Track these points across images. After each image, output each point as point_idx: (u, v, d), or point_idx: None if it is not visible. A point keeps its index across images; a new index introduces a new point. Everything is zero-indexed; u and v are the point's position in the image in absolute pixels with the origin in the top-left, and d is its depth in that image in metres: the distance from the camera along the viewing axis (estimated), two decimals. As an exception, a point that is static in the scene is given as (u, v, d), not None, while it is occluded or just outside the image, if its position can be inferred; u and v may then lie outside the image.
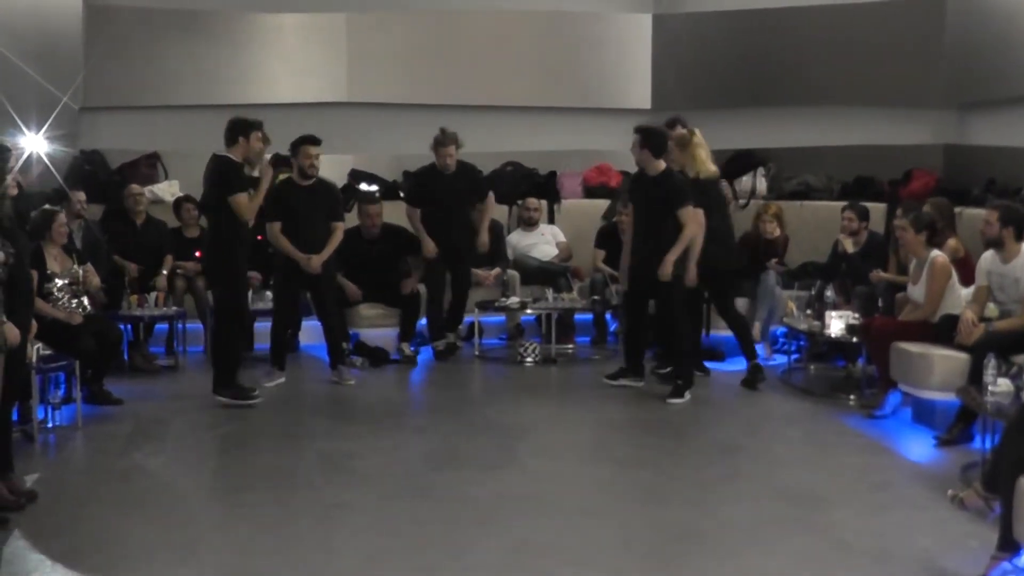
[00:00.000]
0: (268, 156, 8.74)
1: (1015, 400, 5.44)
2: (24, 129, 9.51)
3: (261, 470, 6.21)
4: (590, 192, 10.93)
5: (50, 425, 7.02)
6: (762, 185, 10.66)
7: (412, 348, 9.23)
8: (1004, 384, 5.59)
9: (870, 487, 5.83)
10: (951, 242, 7.79)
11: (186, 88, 11.03)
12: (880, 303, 7.98)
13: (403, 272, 9.36)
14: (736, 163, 10.75)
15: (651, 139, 7.66)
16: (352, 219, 9.40)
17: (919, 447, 6.57)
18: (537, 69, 11.63)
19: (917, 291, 7.26)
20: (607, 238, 9.59)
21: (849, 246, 8.57)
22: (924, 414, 7.00)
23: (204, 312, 9.12)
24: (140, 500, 5.67)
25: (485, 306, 9.41)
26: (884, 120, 10.87)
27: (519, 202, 10.46)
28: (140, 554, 4.90)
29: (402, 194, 10.35)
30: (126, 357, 8.68)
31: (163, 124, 10.92)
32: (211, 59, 11.07)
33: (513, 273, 9.78)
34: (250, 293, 8.77)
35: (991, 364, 5.69)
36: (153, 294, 8.71)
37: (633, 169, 8.07)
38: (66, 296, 7.48)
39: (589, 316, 9.83)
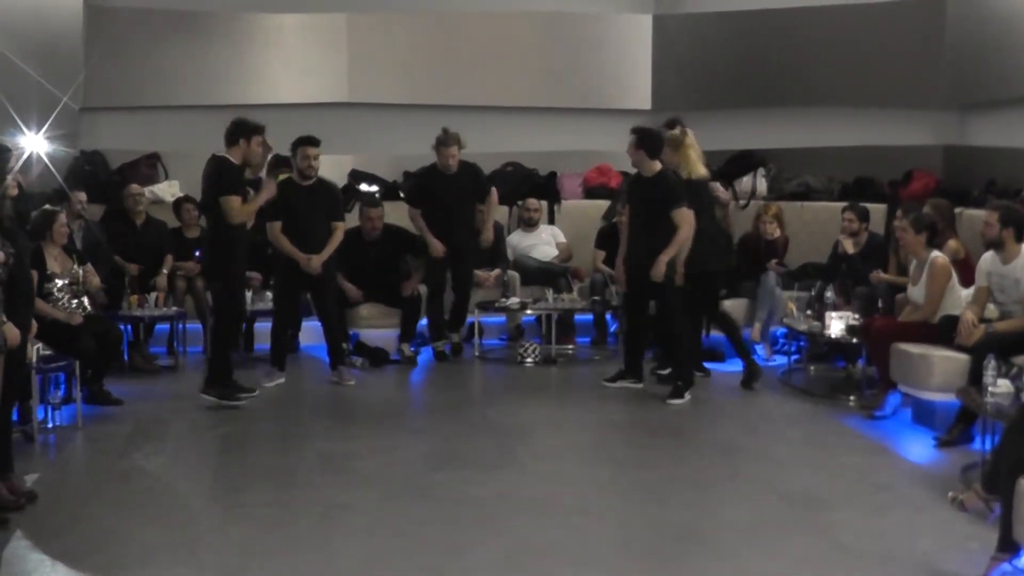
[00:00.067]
0: (271, 156, 8.77)
1: (1015, 401, 5.44)
2: (24, 129, 9.50)
3: (261, 470, 6.21)
4: (590, 193, 10.93)
5: (50, 425, 7.02)
6: (762, 186, 10.67)
7: (412, 349, 9.23)
8: (1004, 385, 5.59)
9: (870, 488, 5.83)
10: (951, 243, 7.80)
11: (186, 88, 11.03)
12: (880, 304, 7.98)
13: (403, 273, 9.36)
14: (736, 164, 10.77)
15: (646, 140, 7.68)
16: (353, 219, 9.40)
17: (919, 448, 6.57)
18: (537, 70, 11.63)
19: (917, 292, 7.27)
20: (607, 239, 9.59)
21: (849, 247, 8.56)
22: (924, 415, 7.00)
23: (204, 312, 9.12)
24: (140, 500, 5.67)
25: (485, 307, 9.41)
26: (884, 121, 10.87)
27: (519, 203, 10.46)
28: (140, 554, 4.90)
29: (402, 194, 10.36)
30: (126, 357, 8.69)
31: (163, 124, 10.92)
32: (211, 59, 11.07)
33: (513, 274, 9.78)
34: (250, 293, 8.80)
35: (991, 365, 5.69)
36: (153, 294, 8.70)
37: (633, 170, 8.07)
38: (66, 296, 7.48)
39: (589, 317, 9.83)
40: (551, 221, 10.71)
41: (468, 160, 9.25)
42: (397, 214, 9.50)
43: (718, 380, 8.47)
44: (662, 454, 6.54)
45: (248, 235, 8.11)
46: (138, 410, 7.50)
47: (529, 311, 9.44)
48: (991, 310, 6.92)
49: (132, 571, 4.74)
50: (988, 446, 5.74)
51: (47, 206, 7.71)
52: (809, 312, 8.30)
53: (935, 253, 7.23)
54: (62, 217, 7.63)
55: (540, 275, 9.82)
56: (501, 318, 9.94)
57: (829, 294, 8.15)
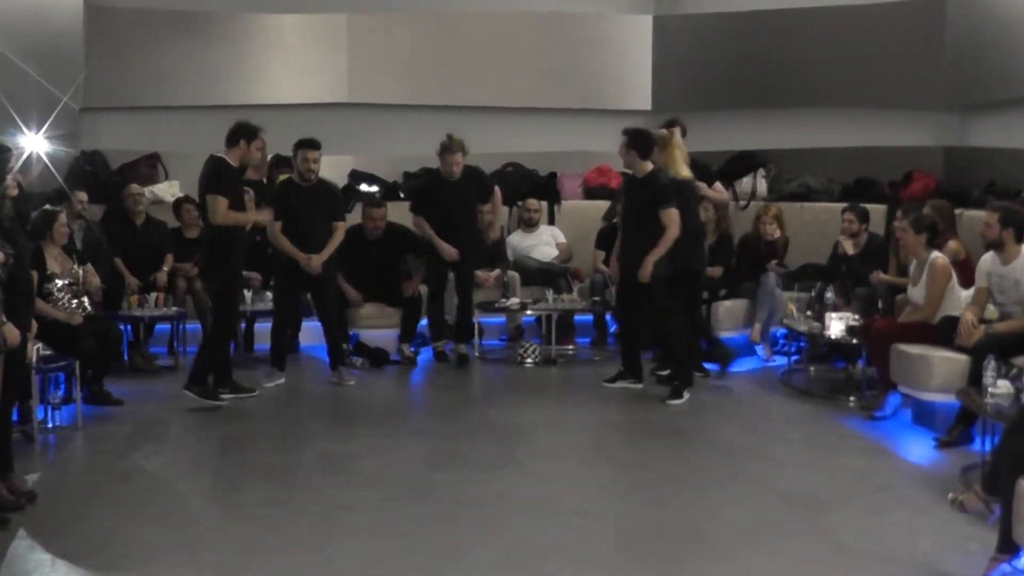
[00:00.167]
0: (271, 156, 8.75)
1: (1015, 402, 5.44)
2: (24, 129, 9.51)
3: (261, 471, 6.21)
4: (590, 193, 10.93)
5: (50, 425, 7.02)
6: (762, 186, 10.67)
7: (412, 349, 9.23)
8: (1004, 386, 5.59)
9: (870, 489, 5.83)
10: (951, 244, 7.80)
11: (187, 89, 11.03)
12: (880, 305, 7.98)
13: (404, 273, 9.35)
14: (736, 164, 10.77)
15: (638, 141, 7.72)
16: (355, 218, 9.41)
17: (919, 449, 6.57)
18: (538, 70, 11.64)
19: (917, 292, 7.27)
20: (607, 239, 9.57)
21: (849, 248, 8.57)
22: (924, 416, 7.00)
23: (204, 313, 9.10)
24: (140, 500, 5.67)
25: (485, 307, 9.40)
26: (884, 122, 10.88)
27: (519, 203, 10.46)
28: (140, 554, 4.91)
29: (402, 195, 10.37)
30: (126, 357, 8.69)
31: (163, 124, 10.92)
32: (212, 60, 11.07)
33: (513, 274, 9.78)
34: (250, 294, 8.80)
35: (991, 366, 5.69)
36: (153, 295, 8.70)
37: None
38: (66, 296, 7.48)
39: (589, 317, 9.84)
40: (551, 222, 10.71)
41: (470, 163, 9.22)
42: (398, 213, 9.49)
43: (718, 381, 8.47)
44: (662, 455, 6.54)
45: (247, 235, 8.12)
46: (138, 410, 7.50)
47: (529, 311, 9.44)
48: (991, 311, 6.93)
49: (132, 571, 4.74)
50: (988, 447, 5.74)
51: (47, 206, 7.71)
52: (809, 313, 8.30)
53: (935, 254, 7.24)
54: (62, 217, 7.64)
55: (540, 276, 9.82)
56: (501, 318, 9.94)
57: (829, 295, 8.15)
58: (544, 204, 10.65)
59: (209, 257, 7.74)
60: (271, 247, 8.41)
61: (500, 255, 9.96)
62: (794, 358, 8.73)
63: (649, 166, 7.72)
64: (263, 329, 8.93)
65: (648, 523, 5.34)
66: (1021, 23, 9.32)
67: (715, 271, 9.13)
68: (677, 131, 8.00)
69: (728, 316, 9.23)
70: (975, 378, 6.13)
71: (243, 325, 9.17)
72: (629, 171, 7.94)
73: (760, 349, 9.20)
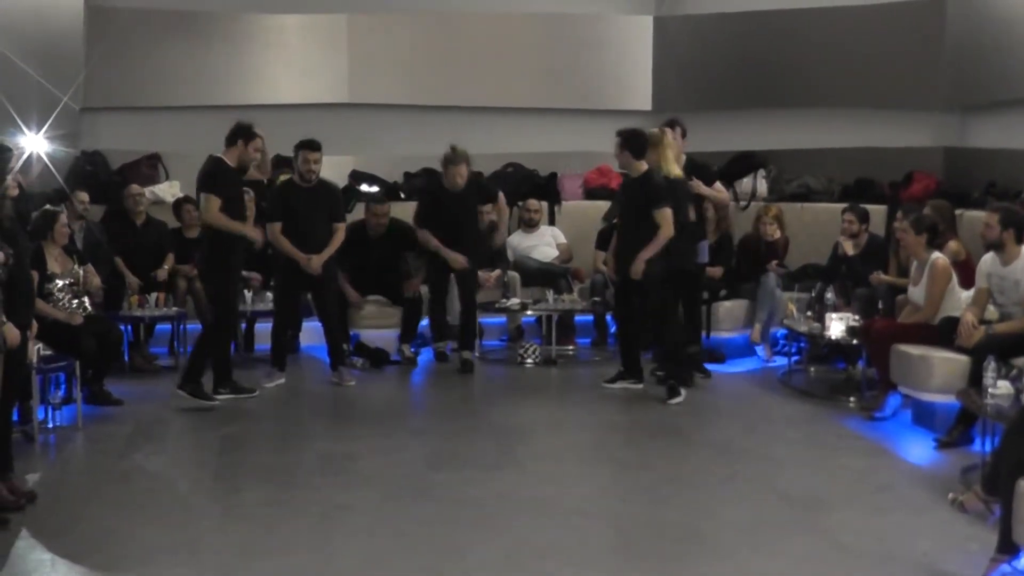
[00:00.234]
0: (272, 156, 8.73)
1: (1015, 403, 5.44)
2: (25, 129, 9.52)
3: (261, 471, 6.21)
4: (591, 194, 10.93)
5: (50, 425, 7.02)
6: (762, 187, 10.67)
7: (412, 350, 9.23)
8: (1004, 386, 5.59)
9: (870, 489, 5.83)
10: (952, 244, 7.79)
11: (187, 89, 11.02)
12: (880, 305, 7.98)
13: (404, 273, 9.33)
14: (737, 165, 10.77)
15: (632, 141, 7.75)
16: (358, 213, 9.40)
17: (919, 449, 6.57)
18: (538, 71, 11.63)
19: (917, 293, 7.27)
20: (607, 240, 9.56)
21: (849, 248, 8.57)
22: (924, 416, 7.00)
23: (204, 313, 9.09)
24: (140, 500, 5.68)
25: (486, 307, 9.40)
26: (884, 122, 10.88)
27: (519, 203, 10.45)
28: (140, 554, 4.91)
29: (403, 195, 10.37)
30: (126, 358, 8.69)
31: (164, 125, 10.92)
32: (212, 60, 11.07)
33: (513, 274, 9.78)
34: (250, 294, 8.80)
35: (991, 366, 5.69)
36: (154, 295, 8.69)
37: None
38: (67, 296, 7.48)
39: (589, 318, 9.83)
40: (551, 222, 10.71)
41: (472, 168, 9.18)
42: (399, 213, 9.48)
43: (718, 381, 8.48)
44: (662, 455, 6.54)
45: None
46: (138, 410, 7.50)
47: (529, 312, 9.44)
48: (991, 311, 6.93)
49: (132, 571, 4.74)
50: (988, 448, 5.74)
51: (48, 206, 7.71)
52: (809, 313, 8.30)
53: (936, 254, 7.24)
54: (63, 217, 7.64)
55: (540, 276, 9.82)
56: (501, 319, 9.94)
57: (829, 295, 8.15)
58: (544, 204, 10.65)
59: (208, 257, 7.73)
60: (271, 247, 8.41)
61: (500, 255, 9.96)
62: (794, 359, 8.73)
63: (644, 166, 7.75)
64: (263, 329, 8.93)
65: (648, 523, 5.34)
66: (1021, 23, 9.31)
67: (715, 271, 9.14)
68: (668, 130, 8.02)
69: (728, 316, 9.25)
70: (975, 379, 6.13)
71: (243, 325, 9.17)
72: (625, 171, 7.96)
73: (760, 350, 9.20)
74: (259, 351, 9.11)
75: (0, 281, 5.21)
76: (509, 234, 10.35)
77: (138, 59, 10.89)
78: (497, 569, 4.74)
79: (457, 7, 11.58)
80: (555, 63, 11.60)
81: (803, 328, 8.16)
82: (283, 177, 8.42)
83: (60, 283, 7.46)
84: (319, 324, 8.54)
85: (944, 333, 6.88)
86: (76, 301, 7.54)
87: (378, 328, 9.38)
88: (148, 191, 9.87)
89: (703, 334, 8.84)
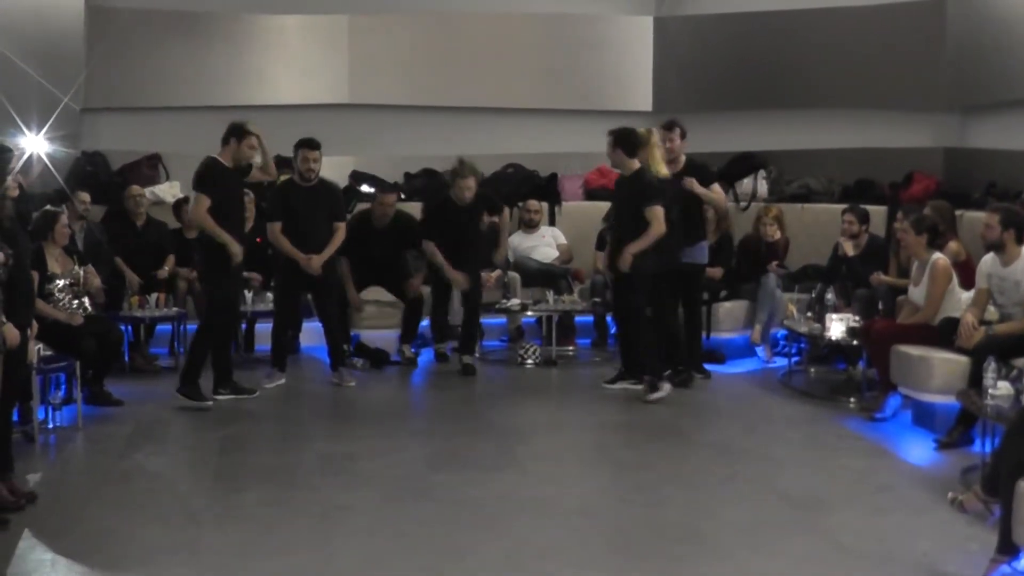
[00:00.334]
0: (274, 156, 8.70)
1: (1015, 403, 5.43)
2: (25, 130, 9.53)
3: (261, 471, 6.21)
4: (591, 194, 10.92)
5: (50, 426, 7.02)
6: (763, 188, 10.67)
7: (413, 350, 9.23)
8: (1004, 387, 5.58)
9: (870, 490, 5.83)
10: (952, 245, 7.79)
11: (188, 89, 11.03)
12: (880, 306, 7.98)
13: (406, 272, 9.30)
14: (737, 165, 10.77)
15: (624, 140, 7.79)
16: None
17: (919, 450, 6.57)
18: (538, 71, 11.64)
19: (917, 293, 7.27)
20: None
21: (849, 249, 8.57)
22: (924, 417, 7.00)
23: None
24: (140, 501, 5.67)
25: (486, 308, 9.38)
26: (885, 123, 10.89)
27: (520, 204, 10.45)
28: (140, 554, 4.91)
29: (403, 195, 10.36)
30: (127, 358, 8.69)
31: (164, 125, 10.92)
32: (213, 60, 11.08)
33: (514, 275, 9.78)
34: (251, 294, 8.80)
35: (991, 367, 5.69)
36: (154, 295, 8.69)
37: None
38: (67, 297, 7.49)
39: (590, 318, 9.83)
40: (552, 223, 10.71)
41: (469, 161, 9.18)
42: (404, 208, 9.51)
43: (719, 382, 8.48)
44: (662, 455, 6.53)
45: (247, 236, 8.12)
46: (139, 411, 7.50)
47: (529, 312, 9.44)
48: (991, 312, 6.92)
49: (132, 571, 4.74)
50: (988, 448, 5.74)
51: (48, 207, 7.71)
52: (809, 314, 8.31)
53: (936, 255, 7.24)
54: (64, 218, 7.64)
55: (540, 276, 9.82)
56: (502, 319, 9.94)
57: (829, 296, 8.15)
58: (545, 205, 10.65)
59: (205, 256, 7.71)
60: (271, 248, 8.40)
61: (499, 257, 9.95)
62: (794, 359, 8.73)
63: (636, 164, 7.79)
64: (264, 330, 8.92)
65: (648, 523, 5.34)
66: (1021, 24, 9.32)
67: (715, 272, 9.14)
68: (655, 131, 8.02)
69: (728, 317, 9.25)
70: (975, 379, 6.13)
71: (243, 326, 9.17)
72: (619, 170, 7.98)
73: (760, 350, 9.21)
74: (259, 351, 9.11)
75: (0, 281, 5.21)
76: (509, 234, 10.34)
77: (139, 59, 10.90)
78: (497, 569, 4.73)
79: (457, 8, 11.59)
80: (555, 64, 11.60)
81: (803, 329, 8.16)
82: (283, 177, 8.41)
83: (60, 283, 7.46)
84: (319, 325, 8.53)
85: (944, 334, 6.88)
86: (76, 301, 7.54)
87: (378, 329, 9.38)
88: (149, 192, 9.88)
89: (703, 335, 8.84)
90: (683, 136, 8.26)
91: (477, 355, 9.23)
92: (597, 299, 9.41)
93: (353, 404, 7.96)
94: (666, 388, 7.75)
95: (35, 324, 5.94)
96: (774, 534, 5.13)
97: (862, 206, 8.89)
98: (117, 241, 9.10)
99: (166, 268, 9.07)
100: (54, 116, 9.68)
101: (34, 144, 9.61)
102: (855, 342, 7.64)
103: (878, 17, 10.71)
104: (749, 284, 9.25)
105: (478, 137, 11.23)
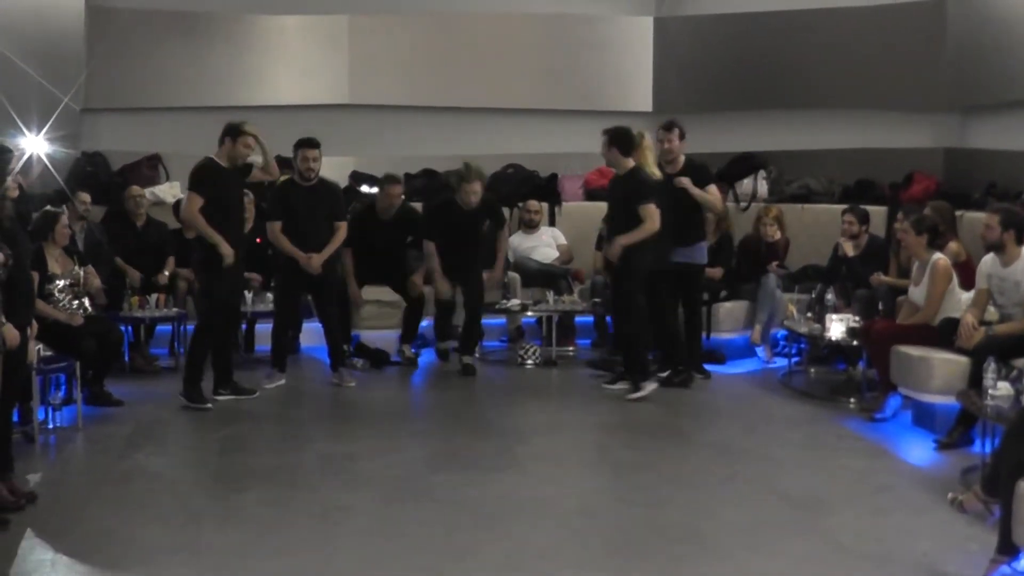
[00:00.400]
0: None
1: (1015, 404, 5.44)
2: (25, 130, 9.53)
3: (261, 471, 6.20)
4: (591, 195, 10.92)
5: (51, 426, 7.02)
6: (763, 188, 10.67)
7: (414, 350, 9.22)
8: (1004, 388, 5.59)
9: (870, 490, 5.84)
10: (952, 245, 7.80)
11: (188, 90, 11.04)
12: (880, 306, 7.99)
13: (408, 268, 9.23)
14: (737, 166, 10.78)
15: (619, 138, 7.82)
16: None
17: (919, 450, 6.57)
18: (539, 72, 11.64)
19: (918, 293, 7.27)
20: (608, 241, 9.59)
21: (849, 249, 8.57)
22: (924, 417, 7.01)
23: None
24: (140, 501, 5.67)
25: (486, 308, 9.38)
26: (885, 123, 10.89)
27: (520, 204, 10.45)
28: (140, 554, 4.91)
29: (404, 196, 10.34)
30: (127, 358, 8.68)
31: (165, 126, 10.93)
32: (213, 61, 11.08)
33: (514, 275, 9.77)
34: (251, 295, 8.79)
35: (991, 368, 5.69)
36: (154, 296, 8.69)
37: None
38: (67, 297, 7.49)
39: (590, 319, 9.83)
40: (552, 223, 10.71)
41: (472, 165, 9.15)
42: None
43: (719, 382, 8.48)
44: (662, 455, 6.53)
45: (247, 237, 8.11)
46: (139, 411, 7.50)
47: (530, 313, 9.44)
48: (991, 313, 6.93)
49: (132, 571, 4.75)
50: (988, 449, 5.74)
51: (49, 207, 7.71)
52: (809, 314, 8.31)
53: (937, 255, 7.24)
54: (64, 218, 7.64)
55: (541, 277, 9.82)
56: (502, 320, 9.94)
57: (829, 296, 8.16)
58: (545, 205, 10.65)
59: (201, 256, 7.68)
60: (271, 248, 8.40)
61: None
62: (794, 360, 8.73)
63: (631, 163, 7.82)
64: (264, 330, 8.92)
65: (648, 524, 5.34)
66: (1021, 24, 9.32)
67: (715, 272, 9.14)
68: (647, 134, 8.03)
69: (728, 317, 9.25)
70: (975, 380, 6.14)
71: (244, 326, 9.17)
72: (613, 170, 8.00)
73: (760, 351, 9.21)
74: (259, 352, 9.11)
75: (0, 281, 5.21)
76: (510, 235, 10.34)
77: (139, 60, 10.90)
78: (497, 569, 4.73)
79: (457, 8, 11.59)
80: (555, 64, 11.61)
81: (803, 329, 8.16)
82: (283, 177, 8.41)
83: (60, 284, 7.47)
84: (319, 325, 8.53)
85: (944, 334, 6.88)
86: (76, 302, 7.54)
87: (378, 329, 9.37)
88: (149, 192, 9.88)
89: (703, 335, 8.84)
90: (682, 137, 8.26)
91: (477, 355, 9.23)
92: (597, 299, 9.40)
93: (353, 405, 7.96)
94: (649, 388, 7.78)
95: (35, 324, 5.94)
96: (774, 534, 5.13)
97: (862, 206, 8.89)
98: (117, 241, 9.10)
99: (166, 272, 9.05)
100: (54, 116, 9.69)
101: (34, 144, 9.62)
102: (855, 342, 7.64)
103: (878, 17, 10.72)
104: (749, 284, 9.26)
105: (478, 137, 11.24)
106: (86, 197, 9.06)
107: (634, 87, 11.67)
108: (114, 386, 7.73)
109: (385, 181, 9.29)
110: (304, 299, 8.64)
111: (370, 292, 9.34)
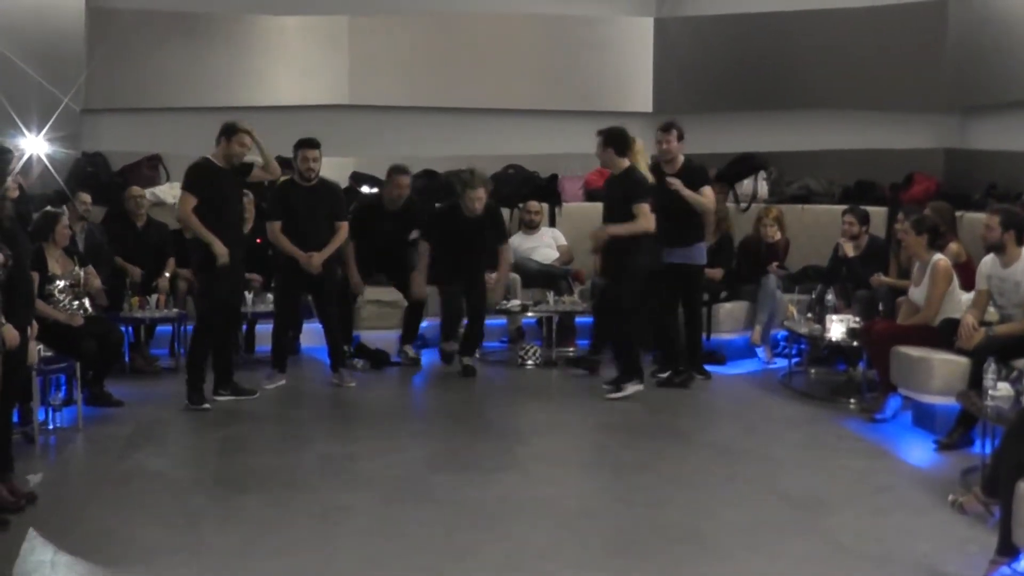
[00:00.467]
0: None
1: (1015, 404, 5.44)
2: (25, 131, 9.54)
3: (261, 472, 6.21)
4: (591, 195, 10.88)
5: (51, 427, 7.02)
6: (763, 189, 10.68)
7: (415, 351, 9.22)
8: (1004, 388, 5.58)
9: (870, 491, 5.84)
10: (952, 246, 7.80)
11: (188, 90, 11.04)
12: (880, 307, 7.99)
13: (411, 263, 9.17)
14: (737, 166, 10.78)
15: (614, 139, 7.84)
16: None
17: (919, 451, 6.57)
18: (539, 72, 11.64)
19: (918, 293, 7.27)
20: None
21: (850, 250, 8.57)
22: (924, 418, 7.01)
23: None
24: (140, 502, 5.68)
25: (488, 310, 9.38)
26: (885, 124, 10.89)
27: (520, 205, 10.45)
28: (140, 554, 4.91)
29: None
30: (127, 359, 8.68)
31: (165, 126, 10.92)
32: (213, 61, 11.08)
33: (514, 276, 9.76)
34: (251, 295, 8.79)
35: (991, 368, 5.69)
36: (154, 296, 8.69)
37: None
38: (67, 298, 7.49)
39: (590, 319, 9.81)
40: (552, 223, 10.70)
41: (469, 162, 9.14)
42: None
43: (719, 383, 8.48)
44: (662, 456, 6.53)
45: (247, 237, 8.11)
46: (139, 412, 7.50)
47: (530, 313, 9.43)
48: (991, 313, 6.93)
49: (132, 571, 4.75)
50: (988, 450, 5.73)
51: (49, 208, 7.71)
52: (810, 315, 8.31)
53: (937, 256, 7.24)
54: (64, 219, 7.65)
55: (541, 277, 9.81)
56: (502, 320, 9.94)
57: (830, 297, 8.16)
58: (545, 206, 10.64)
59: (197, 256, 7.67)
60: (271, 248, 8.40)
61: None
62: (795, 360, 8.72)
63: (626, 163, 7.84)
64: (264, 331, 8.92)
65: (649, 524, 5.34)
66: (1021, 25, 9.33)
67: (715, 273, 9.14)
68: (639, 140, 8.03)
69: (729, 318, 9.26)
70: (975, 381, 6.14)
71: (244, 327, 9.17)
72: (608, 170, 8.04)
73: (761, 351, 9.21)
74: (260, 352, 9.11)
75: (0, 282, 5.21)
76: (510, 235, 10.33)
77: (139, 60, 10.90)
78: (498, 570, 4.74)
79: (458, 9, 11.59)
80: (556, 65, 11.61)
81: (803, 330, 8.16)
82: (283, 178, 8.40)
83: (61, 284, 7.47)
84: (320, 326, 8.53)
85: (944, 335, 6.88)
86: (77, 302, 7.55)
87: (379, 329, 9.37)
88: (149, 192, 9.87)
89: (704, 336, 8.84)
90: (680, 137, 8.26)
91: (477, 356, 9.23)
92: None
93: (353, 405, 7.96)
94: (630, 390, 7.81)
95: (35, 325, 5.94)
96: (774, 535, 5.13)
97: (862, 207, 8.89)
98: (117, 242, 9.09)
99: (167, 273, 9.05)
100: (54, 117, 9.69)
101: (34, 145, 9.62)
102: (855, 343, 7.64)
103: (878, 18, 10.72)
104: (749, 285, 9.26)
105: (478, 138, 11.24)
106: (86, 198, 9.06)
107: (634, 88, 11.67)
108: (114, 387, 7.73)
109: (394, 171, 9.22)
110: (304, 299, 8.63)
111: (371, 292, 9.33)
